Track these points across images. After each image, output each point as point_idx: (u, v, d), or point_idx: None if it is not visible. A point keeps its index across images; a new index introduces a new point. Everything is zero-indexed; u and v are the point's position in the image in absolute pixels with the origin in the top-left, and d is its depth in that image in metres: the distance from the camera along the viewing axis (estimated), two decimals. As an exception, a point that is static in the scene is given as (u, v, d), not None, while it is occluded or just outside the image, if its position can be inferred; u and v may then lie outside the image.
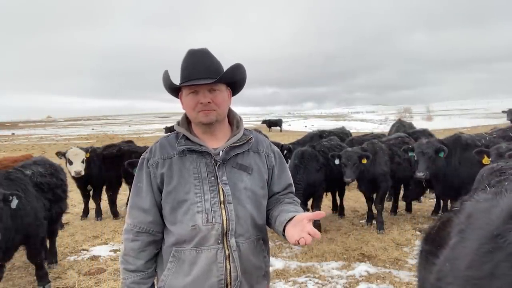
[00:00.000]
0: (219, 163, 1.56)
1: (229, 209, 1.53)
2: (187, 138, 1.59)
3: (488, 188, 1.89)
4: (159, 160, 1.58)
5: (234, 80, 1.63)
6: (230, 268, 1.53)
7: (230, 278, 1.53)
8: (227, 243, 1.53)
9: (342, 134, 9.59)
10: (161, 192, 1.57)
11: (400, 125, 10.44)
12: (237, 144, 1.61)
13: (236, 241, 1.54)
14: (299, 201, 1.77)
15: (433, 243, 1.59)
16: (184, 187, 1.53)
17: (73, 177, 6.23)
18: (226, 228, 1.52)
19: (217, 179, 1.54)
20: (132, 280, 1.57)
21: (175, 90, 1.63)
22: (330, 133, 9.64)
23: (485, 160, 4.55)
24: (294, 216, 1.46)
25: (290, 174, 1.82)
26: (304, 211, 5.18)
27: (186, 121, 1.67)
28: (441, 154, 5.27)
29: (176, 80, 1.58)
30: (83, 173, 6.12)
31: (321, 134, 9.53)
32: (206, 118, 1.55)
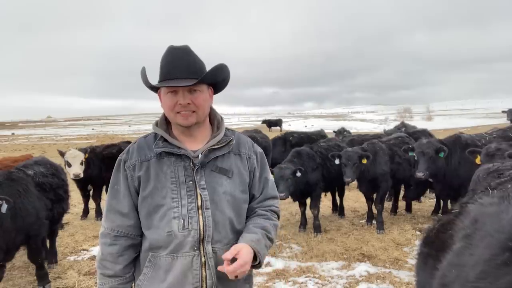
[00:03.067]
0: (197, 166, 1.50)
1: (206, 215, 1.47)
2: (165, 140, 1.53)
3: (491, 191, 1.86)
4: (136, 162, 1.52)
5: (216, 81, 1.57)
6: (205, 275, 1.48)
7: (206, 286, 1.49)
8: (203, 250, 1.48)
9: (318, 136, 9.20)
10: (138, 194, 1.52)
11: (406, 128, 10.17)
12: (217, 147, 1.55)
13: (213, 247, 1.49)
14: (278, 210, 1.71)
15: (433, 246, 1.56)
16: (161, 191, 1.48)
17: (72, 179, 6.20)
18: (203, 234, 1.47)
19: (195, 183, 1.49)
20: (110, 285, 1.53)
21: (154, 89, 1.57)
22: (301, 136, 9.10)
23: (478, 160, 4.58)
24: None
25: (271, 177, 1.75)
26: (304, 211, 5.09)
27: (165, 121, 1.61)
28: (441, 155, 5.26)
29: (156, 76, 1.51)
30: (82, 175, 6.03)
31: (286, 138, 9.07)
32: (185, 121, 1.49)
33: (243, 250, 1.42)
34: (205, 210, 1.48)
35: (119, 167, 1.57)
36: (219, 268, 1.43)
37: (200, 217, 1.48)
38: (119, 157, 1.59)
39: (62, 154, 6.12)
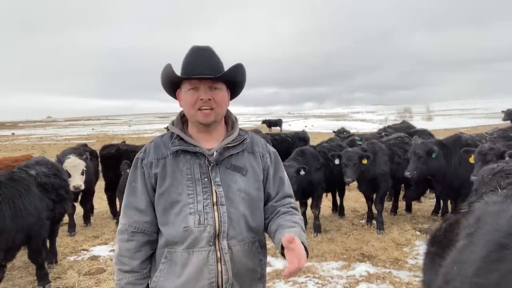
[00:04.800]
0: (212, 164, 1.54)
1: (222, 211, 1.50)
2: (181, 138, 1.57)
3: (500, 190, 1.86)
4: (153, 160, 1.56)
5: (236, 79, 1.61)
6: (221, 270, 1.50)
7: (222, 281, 1.50)
8: (219, 245, 1.50)
9: (285, 143, 8.93)
10: (155, 191, 1.56)
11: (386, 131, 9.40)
12: (232, 145, 1.59)
13: (228, 243, 1.51)
14: (297, 206, 1.73)
15: (440, 245, 1.57)
16: (177, 188, 1.51)
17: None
18: (218, 230, 1.50)
19: (210, 180, 1.52)
20: (127, 281, 1.55)
21: (173, 88, 1.61)
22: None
23: (472, 159, 4.62)
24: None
25: (287, 177, 1.77)
26: (304, 211, 5.07)
27: (181, 121, 1.66)
28: (433, 155, 5.30)
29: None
30: (83, 187, 5.38)
31: None
32: (205, 119, 1.53)
33: (300, 248, 1.38)
34: (220, 206, 1.51)
35: (136, 165, 1.61)
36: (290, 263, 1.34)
37: (216, 213, 1.50)
38: (136, 156, 1.64)
39: (60, 161, 5.42)
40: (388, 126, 10.61)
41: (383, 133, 8.59)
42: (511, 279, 0.97)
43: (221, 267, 1.50)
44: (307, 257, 1.45)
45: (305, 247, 1.44)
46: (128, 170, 5.57)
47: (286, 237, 1.36)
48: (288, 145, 8.84)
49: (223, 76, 1.52)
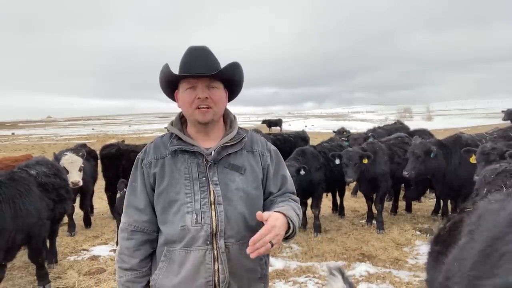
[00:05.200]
0: (210, 163, 1.54)
1: (219, 210, 1.51)
2: (180, 138, 1.59)
3: (505, 189, 1.88)
4: (152, 160, 1.58)
5: (233, 78, 1.62)
6: (218, 269, 1.51)
7: (218, 280, 1.51)
8: (216, 245, 1.51)
9: (297, 138, 9.01)
10: (154, 191, 1.57)
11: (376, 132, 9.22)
12: (230, 144, 1.59)
13: (225, 242, 1.51)
14: (297, 199, 1.71)
15: (444, 243, 1.59)
16: (175, 187, 1.52)
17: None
18: (216, 229, 1.50)
19: (208, 179, 1.53)
20: (126, 278, 1.57)
21: (171, 89, 1.62)
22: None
23: (473, 159, 4.62)
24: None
25: (289, 174, 1.77)
26: (304, 211, 5.05)
27: (180, 121, 1.67)
28: (431, 155, 5.30)
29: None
30: (81, 183, 5.38)
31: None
32: (203, 117, 1.54)
33: (271, 217, 1.39)
34: (218, 206, 1.51)
35: (136, 165, 1.63)
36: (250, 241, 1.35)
37: (213, 212, 1.51)
38: (137, 156, 1.66)
39: (57, 159, 5.44)
40: (379, 127, 10.50)
41: (370, 133, 8.57)
42: (501, 266, 0.99)
43: (218, 266, 1.51)
44: (287, 234, 1.47)
45: (294, 225, 1.47)
46: (125, 189, 5.55)
47: (258, 214, 1.38)
48: (291, 145, 8.89)
49: (220, 74, 1.53)
